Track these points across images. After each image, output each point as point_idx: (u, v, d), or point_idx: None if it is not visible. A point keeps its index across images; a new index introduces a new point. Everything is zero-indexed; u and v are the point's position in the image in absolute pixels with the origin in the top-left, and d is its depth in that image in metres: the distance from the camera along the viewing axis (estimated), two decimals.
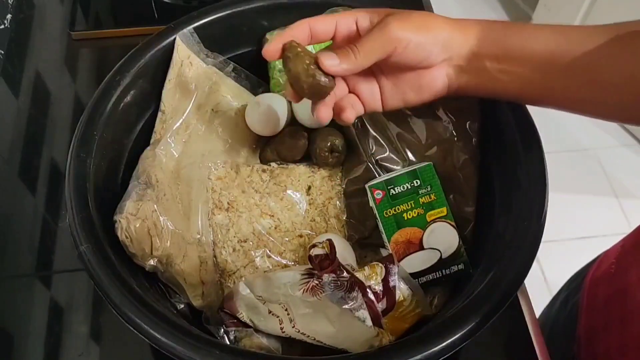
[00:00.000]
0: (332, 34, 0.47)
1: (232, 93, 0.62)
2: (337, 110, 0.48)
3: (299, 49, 0.44)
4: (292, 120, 0.61)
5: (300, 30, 0.45)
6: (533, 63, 0.45)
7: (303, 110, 0.60)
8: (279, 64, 0.62)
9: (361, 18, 0.46)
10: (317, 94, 0.45)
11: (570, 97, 0.47)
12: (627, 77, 0.43)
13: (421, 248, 0.54)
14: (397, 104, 0.50)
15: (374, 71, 0.49)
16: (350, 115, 0.47)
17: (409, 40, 0.44)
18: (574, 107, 0.48)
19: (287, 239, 0.56)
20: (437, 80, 0.48)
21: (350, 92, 0.49)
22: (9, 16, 0.80)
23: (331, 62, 0.44)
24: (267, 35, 0.62)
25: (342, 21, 0.46)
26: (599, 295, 0.61)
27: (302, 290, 0.47)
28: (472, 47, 0.46)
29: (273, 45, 0.45)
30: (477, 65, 0.47)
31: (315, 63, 0.44)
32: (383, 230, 0.55)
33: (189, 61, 0.60)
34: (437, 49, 0.46)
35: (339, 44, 0.47)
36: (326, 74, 0.44)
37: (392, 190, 0.55)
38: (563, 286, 0.74)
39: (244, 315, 0.49)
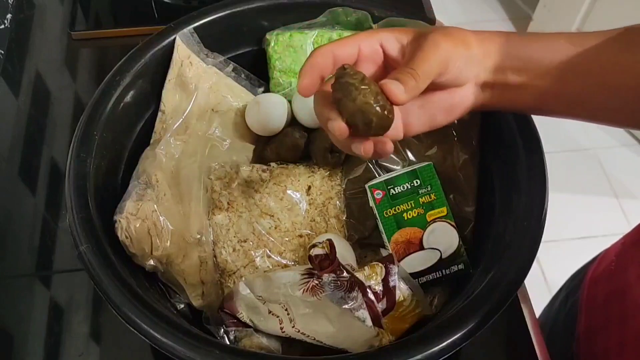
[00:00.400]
0: (355, 58, 0.43)
1: (232, 93, 0.62)
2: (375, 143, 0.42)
3: (362, 75, 0.38)
4: (292, 120, 0.61)
5: (323, 58, 0.41)
6: (551, 73, 0.44)
7: (303, 110, 0.60)
8: (279, 64, 0.62)
9: (386, 39, 0.43)
10: (382, 128, 0.39)
11: (586, 105, 0.45)
12: (634, 78, 0.42)
13: (421, 248, 0.54)
14: (422, 128, 0.46)
15: None
16: (392, 146, 0.42)
17: (460, 56, 0.42)
18: (589, 115, 0.46)
19: (287, 239, 0.56)
20: (467, 97, 0.45)
21: None
22: (9, 16, 0.80)
23: (400, 90, 0.38)
24: (267, 35, 0.62)
25: (365, 43, 0.43)
26: (599, 294, 0.61)
27: (302, 290, 0.47)
28: (495, 60, 0.44)
29: (306, 80, 0.40)
30: (500, 79, 0.45)
31: (380, 92, 0.38)
32: (383, 230, 0.55)
33: (189, 61, 0.60)
34: (473, 65, 0.44)
35: (362, 68, 0.43)
36: (391, 104, 0.38)
37: (392, 190, 0.55)
38: (563, 285, 0.74)
39: (244, 315, 0.49)
